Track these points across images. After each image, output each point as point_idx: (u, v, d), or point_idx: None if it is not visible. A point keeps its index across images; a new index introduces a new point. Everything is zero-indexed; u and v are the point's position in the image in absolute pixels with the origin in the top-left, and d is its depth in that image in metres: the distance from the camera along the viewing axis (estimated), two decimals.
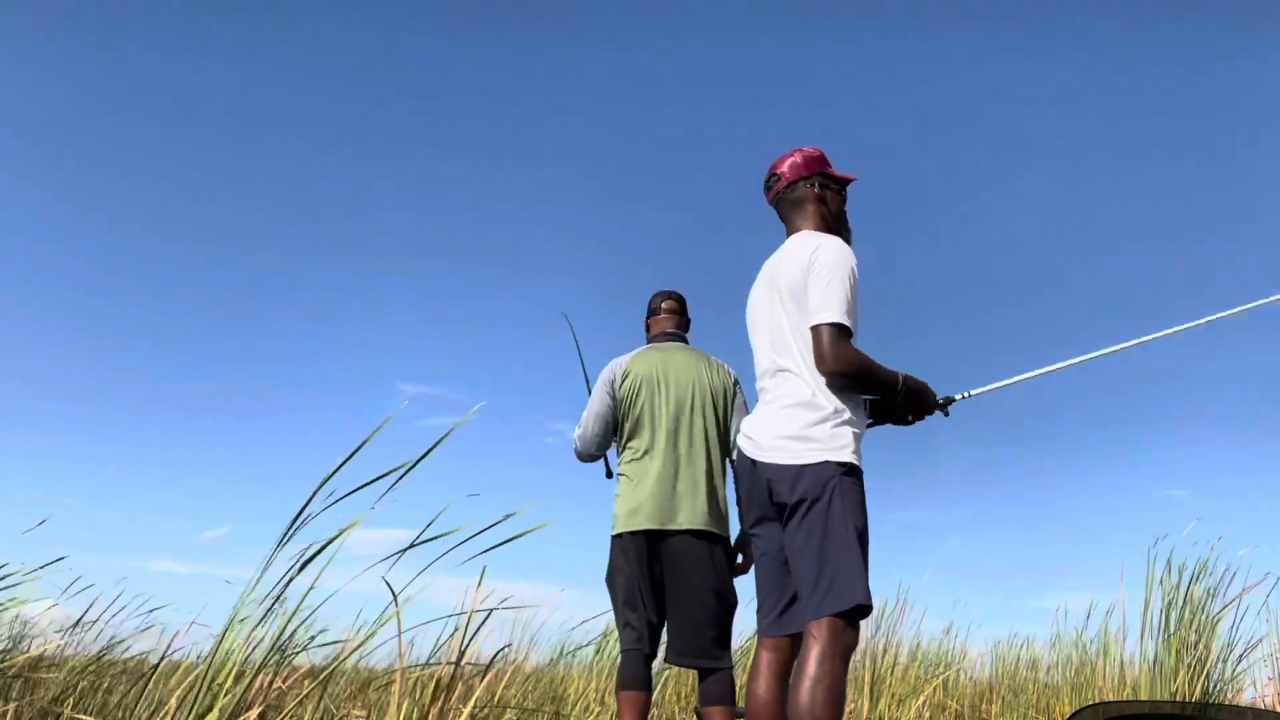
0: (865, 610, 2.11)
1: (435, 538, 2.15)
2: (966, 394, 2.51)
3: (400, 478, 2.14)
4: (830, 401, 2.25)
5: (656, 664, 3.42)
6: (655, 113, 12.66)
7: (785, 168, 2.50)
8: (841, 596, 2.09)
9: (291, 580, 2.17)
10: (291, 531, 2.18)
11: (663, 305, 3.49)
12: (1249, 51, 10.93)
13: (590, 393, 3.40)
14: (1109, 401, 11.08)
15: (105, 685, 3.94)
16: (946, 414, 2.53)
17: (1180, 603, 5.12)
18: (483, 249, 12.68)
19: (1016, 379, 2.58)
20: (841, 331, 2.22)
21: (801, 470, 2.21)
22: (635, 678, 3.01)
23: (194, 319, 12.91)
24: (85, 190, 13.02)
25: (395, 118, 13.00)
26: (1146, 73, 11.61)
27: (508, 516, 2.11)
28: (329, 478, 2.13)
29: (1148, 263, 11.55)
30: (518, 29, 12.61)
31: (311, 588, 2.18)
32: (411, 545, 2.16)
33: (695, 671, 3.17)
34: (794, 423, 2.26)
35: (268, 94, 13.10)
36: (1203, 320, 2.79)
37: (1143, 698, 5.17)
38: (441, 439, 2.16)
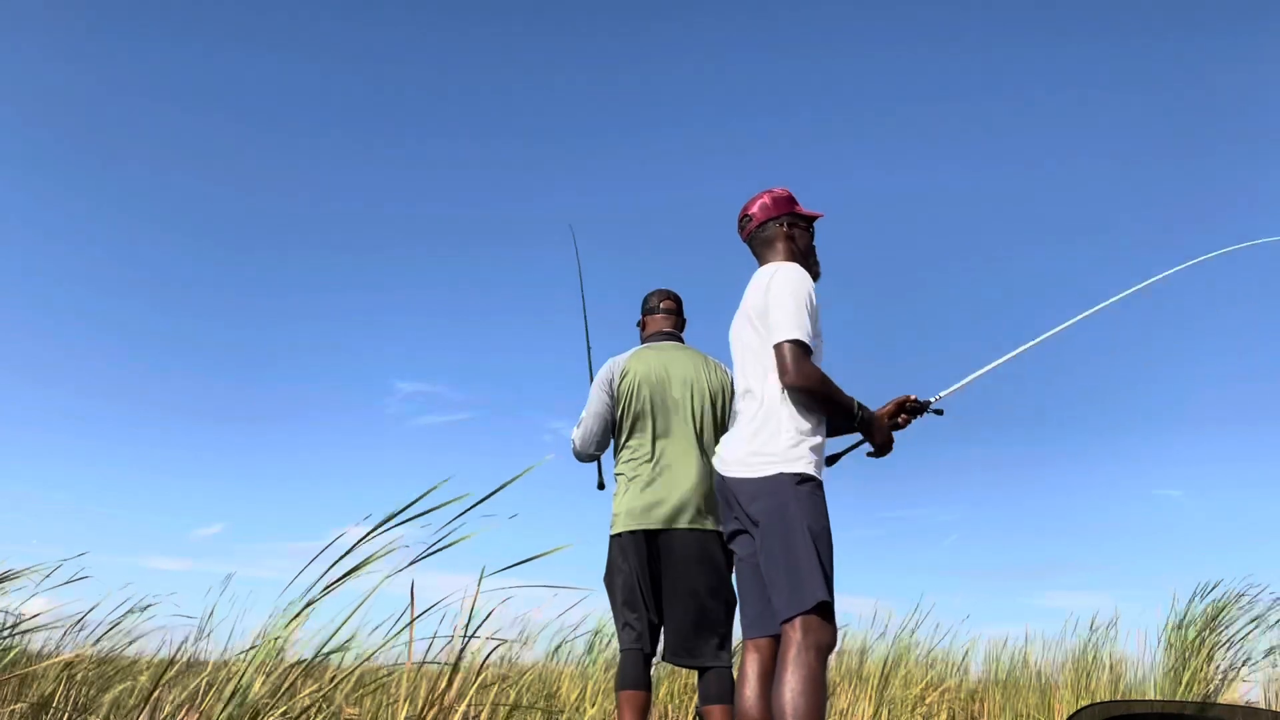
0: (828, 606, 2.26)
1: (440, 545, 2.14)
2: (938, 397, 2.66)
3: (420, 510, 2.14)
4: (786, 418, 2.41)
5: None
6: (656, 108, 12.62)
7: (755, 209, 2.72)
8: (804, 596, 2.24)
9: (329, 589, 2.18)
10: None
11: (661, 305, 3.47)
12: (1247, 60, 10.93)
13: (588, 343, 3.52)
14: (1103, 402, 11.09)
15: (97, 682, 3.91)
16: (939, 413, 2.68)
17: (1186, 618, 5.17)
18: (480, 247, 12.65)
19: (980, 371, 2.71)
20: (801, 348, 2.37)
21: (759, 483, 2.39)
22: (635, 678, 3.00)
23: (190, 317, 12.86)
24: (78, 187, 12.95)
25: (391, 114, 12.95)
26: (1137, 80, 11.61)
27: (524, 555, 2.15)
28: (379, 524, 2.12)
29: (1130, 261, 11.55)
30: (512, 25, 12.56)
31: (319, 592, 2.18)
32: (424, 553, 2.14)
33: (691, 669, 3.15)
34: (754, 439, 2.44)
35: (263, 93, 13.03)
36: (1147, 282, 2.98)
37: (1140, 697, 5.17)
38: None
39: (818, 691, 2.13)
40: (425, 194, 12.93)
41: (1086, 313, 2.83)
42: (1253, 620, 5.25)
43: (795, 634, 2.21)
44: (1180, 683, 5.08)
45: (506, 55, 12.81)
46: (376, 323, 12.64)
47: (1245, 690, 5.22)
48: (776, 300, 2.41)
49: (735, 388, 2.65)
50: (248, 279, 12.88)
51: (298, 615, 2.37)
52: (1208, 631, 5.29)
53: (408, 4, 12.89)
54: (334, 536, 2.45)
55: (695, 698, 5.83)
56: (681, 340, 3.43)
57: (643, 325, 3.52)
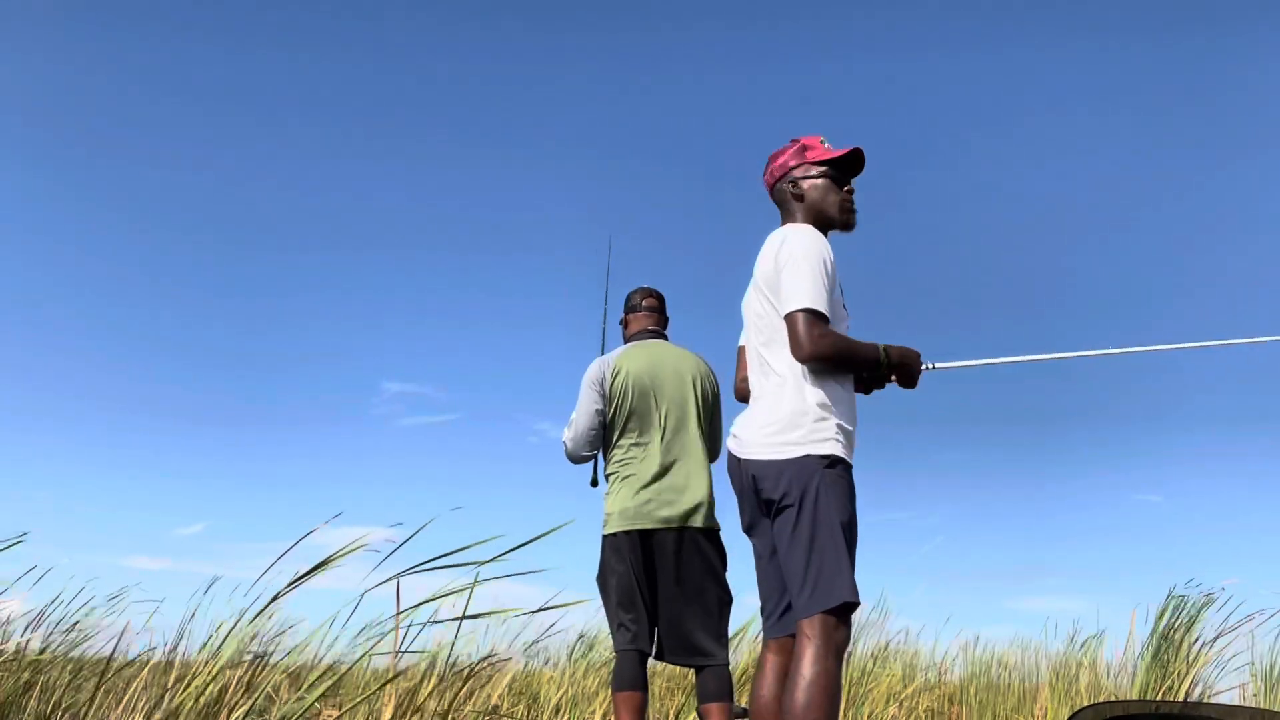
0: (853, 607, 2.10)
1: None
2: (931, 365, 2.43)
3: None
4: (810, 394, 2.20)
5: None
6: (653, 105, 12.54)
7: (767, 175, 2.52)
8: (828, 594, 2.07)
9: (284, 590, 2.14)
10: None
11: (643, 303, 3.46)
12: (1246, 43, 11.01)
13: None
14: (1087, 407, 11.18)
15: (68, 681, 3.82)
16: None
17: (1164, 621, 5.22)
18: (470, 247, 12.54)
19: (987, 361, 2.54)
20: (815, 316, 2.16)
21: (784, 466, 2.17)
22: (633, 678, 2.96)
23: (174, 315, 12.64)
24: (62, 185, 12.71)
25: (383, 113, 12.82)
26: (1143, 55, 11.70)
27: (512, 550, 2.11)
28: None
29: (1151, 252, 11.61)
30: (508, 25, 12.49)
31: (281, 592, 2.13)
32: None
33: (688, 668, 3.12)
34: (774, 418, 2.22)
35: (254, 91, 12.86)
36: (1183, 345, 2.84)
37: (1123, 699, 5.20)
38: None
39: (834, 697, 2.03)
40: (417, 194, 12.79)
41: (1104, 351, 2.74)
42: (1232, 623, 5.31)
43: (814, 632, 2.06)
44: (1162, 685, 5.11)
45: (498, 56, 12.73)
46: (364, 324, 12.50)
47: (1227, 691, 5.28)
48: (787, 268, 2.21)
49: (750, 364, 2.42)
50: (234, 278, 12.69)
51: (261, 611, 2.33)
52: (1186, 634, 5.34)
53: (404, 1, 12.77)
54: (315, 539, 2.40)
55: (679, 697, 5.80)
56: (666, 338, 3.42)
57: (625, 324, 3.50)
